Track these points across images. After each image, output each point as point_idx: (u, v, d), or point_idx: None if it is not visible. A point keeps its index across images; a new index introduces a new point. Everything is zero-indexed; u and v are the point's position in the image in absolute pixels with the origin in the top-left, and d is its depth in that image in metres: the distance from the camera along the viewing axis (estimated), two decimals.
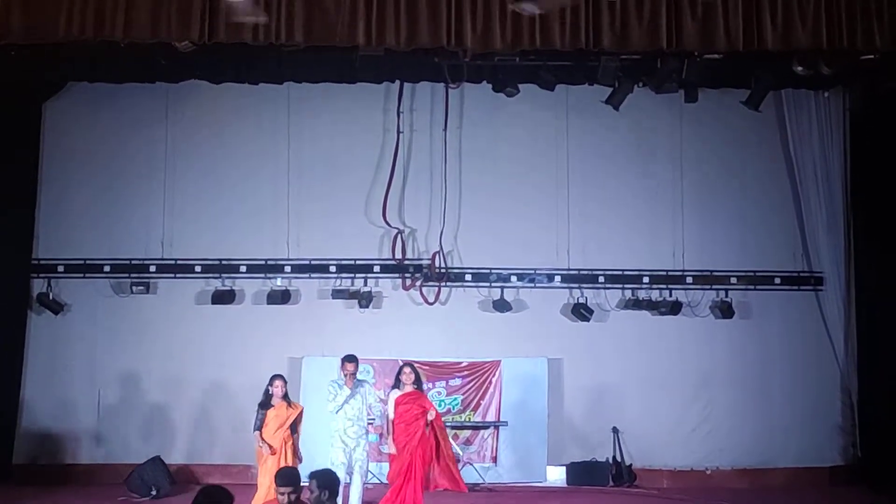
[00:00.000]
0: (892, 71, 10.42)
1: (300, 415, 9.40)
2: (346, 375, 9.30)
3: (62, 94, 12.05)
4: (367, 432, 9.54)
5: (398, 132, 12.08)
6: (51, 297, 11.81)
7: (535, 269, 12.14)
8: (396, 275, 12.05)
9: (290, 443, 9.24)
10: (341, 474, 9.23)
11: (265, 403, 9.32)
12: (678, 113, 12.12)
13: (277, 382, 9.35)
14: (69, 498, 10.37)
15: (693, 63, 10.63)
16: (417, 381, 9.70)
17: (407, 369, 9.64)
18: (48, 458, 11.67)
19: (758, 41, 8.33)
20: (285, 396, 9.37)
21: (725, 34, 8.29)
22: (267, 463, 9.11)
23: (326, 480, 5.85)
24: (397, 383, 9.66)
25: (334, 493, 5.85)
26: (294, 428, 9.34)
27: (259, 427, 9.26)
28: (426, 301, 11.96)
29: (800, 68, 10.69)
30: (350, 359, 9.39)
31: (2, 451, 11.43)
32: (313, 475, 5.93)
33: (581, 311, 11.92)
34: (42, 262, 11.96)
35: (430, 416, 9.52)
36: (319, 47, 9.33)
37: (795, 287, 12.18)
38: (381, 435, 10.45)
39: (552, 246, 12.12)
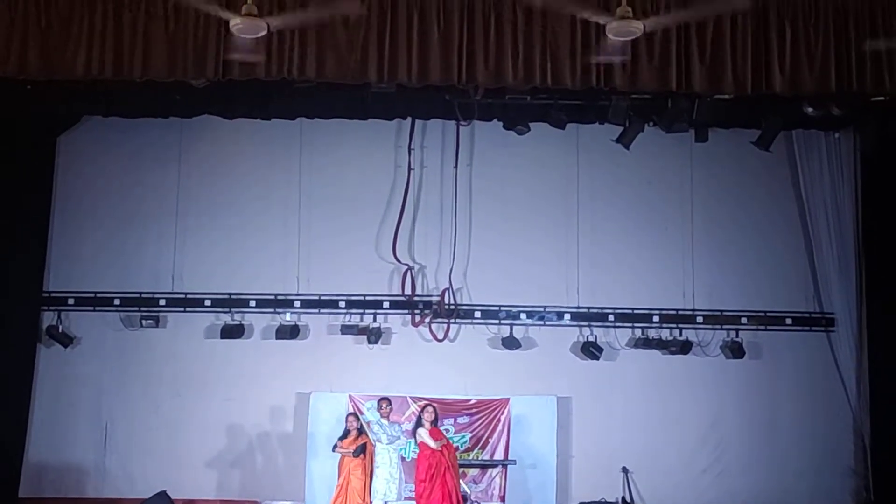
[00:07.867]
0: None
1: None
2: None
3: (76, 129, 12.16)
4: None
5: (409, 169, 12.13)
6: (60, 330, 11.83)
7: (544, 307, 12.10)
8: (406, 311, 12.03)
9: None
10: None
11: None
12: (688, 152, 12.15)
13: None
14: None
15: (703, 103, 10.67)
16: (436, 421, 10.46)
17: (430, 409, 10.48)
18: (54, 491, 11.63)
19: (766, 85, 8.36)
20: None
21: (734, 77, 8.33)
22: None
23: None
24: (419, 422, 10.29)
25: None
26: None
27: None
28: (435, 338, 11.93)
29: (810, 109, 10.75)
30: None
31: (8, 484, 11.38)
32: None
33: (590, 350, 11.87)
34: (53, 294, 12.00)
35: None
36: (332, 84, 9.40)
37: (807, 328, 12.11)
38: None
39: (562, 284, 12.10)
